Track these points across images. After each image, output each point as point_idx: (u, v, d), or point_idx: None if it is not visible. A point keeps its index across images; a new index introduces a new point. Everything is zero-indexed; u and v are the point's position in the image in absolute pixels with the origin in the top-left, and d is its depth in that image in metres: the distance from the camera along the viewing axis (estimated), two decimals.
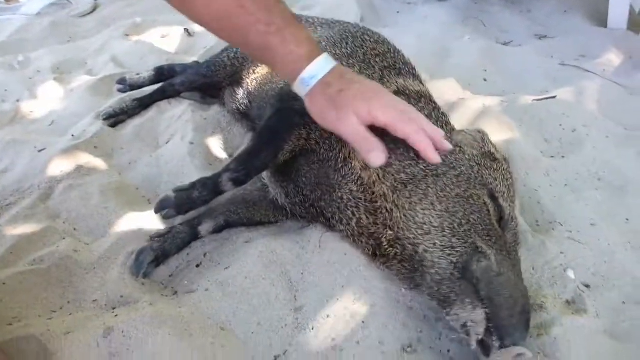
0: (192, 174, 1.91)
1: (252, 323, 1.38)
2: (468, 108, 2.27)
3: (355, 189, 1.48)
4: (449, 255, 1.28)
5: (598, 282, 1.51)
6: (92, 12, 3.91)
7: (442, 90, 2.41)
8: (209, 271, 1.55)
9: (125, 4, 4.05)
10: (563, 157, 2.03)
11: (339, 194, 1.51)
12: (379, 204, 1.42)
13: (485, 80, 2.68)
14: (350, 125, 1.26)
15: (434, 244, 1.30)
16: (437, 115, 1.61)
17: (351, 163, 1.49)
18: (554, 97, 2.35)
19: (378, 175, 1.43)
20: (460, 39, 3.16)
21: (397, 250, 1.38)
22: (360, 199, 1.46)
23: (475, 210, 1.33)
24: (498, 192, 1.39)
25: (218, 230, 1.67)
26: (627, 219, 1.71)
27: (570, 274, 1.48)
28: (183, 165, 1.97)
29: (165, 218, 1.61)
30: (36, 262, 1.53)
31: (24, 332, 1.27)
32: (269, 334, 1.35)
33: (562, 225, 1.69)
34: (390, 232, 1.39)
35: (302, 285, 1.47)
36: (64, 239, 1.64)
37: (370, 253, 1.47)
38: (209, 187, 1.56)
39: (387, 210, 1.40)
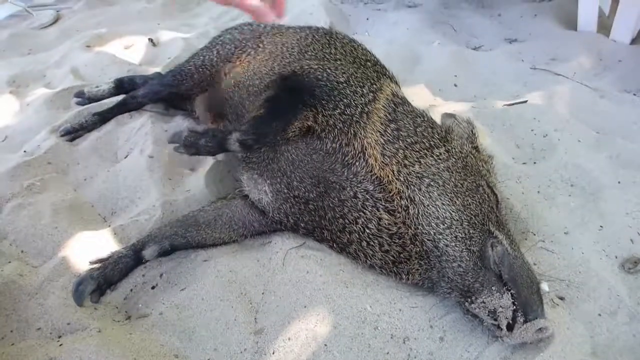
0: (150, 189, 1.82)
1: (208, 349, 1.29)
2: (439, 114, 2.20)
3: (371, 188, 1.42)
4: (470, 246, 1.30)
5: (573, 294, 1.45)
6: (53, 23, 3.79)
7: (413, 97, 2.33)
8: (164, 293, 1.46)
9: (89, 15, 3.93)
10: (535, 162, 1.98)
11: (351, 193, 1.43)
12: (395, 202, 1.40)
13: (455, 85, 2.63)
14: None
15: (456, 237, 1.31)
16: (426, 117, 1.62)
17: (367, 160, 1.44)
18: (524, 102, 2.30)
19: (393, 171, 1.41)
20: (430, 44, 3.11)
21: (418, 248, 1.37)
22: (379, 199, 1.41)
23: (485, 199, 1.39)
24: (491, 183, 1.47)
25: (163, 254, 1.56)
26: (601, 226, 1.65)
27: (544, 286, 1.41)
28: (141, 180, 1.87)
29: (174, 150, 1.50)
30: None
31: None
32: None
33: (534, 234, 1.63)
34: (410, 230, 1.37)
35: (262, 307, 1.39)
36: (9, 262, 1.54)
37: (390, 261, 1.41)
38: (217, 140, 1.47)
39: (403, 208, 1.39)
